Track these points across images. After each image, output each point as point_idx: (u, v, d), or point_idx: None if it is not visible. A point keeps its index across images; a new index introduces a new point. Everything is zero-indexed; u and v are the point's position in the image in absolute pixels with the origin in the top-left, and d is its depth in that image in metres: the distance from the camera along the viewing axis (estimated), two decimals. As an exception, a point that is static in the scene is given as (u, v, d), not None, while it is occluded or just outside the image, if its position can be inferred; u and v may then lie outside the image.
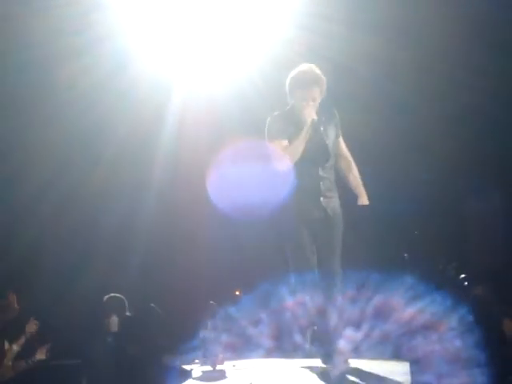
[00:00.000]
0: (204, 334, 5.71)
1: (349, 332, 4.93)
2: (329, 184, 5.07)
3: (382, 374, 4.58)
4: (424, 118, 7.69)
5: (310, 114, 5.00)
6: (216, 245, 7.89)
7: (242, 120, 7.78)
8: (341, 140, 5.23)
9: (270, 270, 7.45)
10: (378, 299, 5.24)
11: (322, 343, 4.93)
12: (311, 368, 4.92)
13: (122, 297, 6.19)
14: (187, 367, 5.59)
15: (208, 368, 5.57)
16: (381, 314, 5.15)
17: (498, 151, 7.85)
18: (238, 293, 6.07)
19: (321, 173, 5.04)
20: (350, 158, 5.23)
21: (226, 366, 5.62)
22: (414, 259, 6.53)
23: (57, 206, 7.67)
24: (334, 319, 4.89)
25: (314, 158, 5.03)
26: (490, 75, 7.42)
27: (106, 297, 6.19)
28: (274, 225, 5.16)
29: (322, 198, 5.01)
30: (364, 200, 5.18)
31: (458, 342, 4.87)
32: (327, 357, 4.85)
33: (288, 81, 5.14)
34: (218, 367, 5.54)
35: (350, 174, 5.21)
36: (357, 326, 5.09)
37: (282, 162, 5.01)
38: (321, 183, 5.02)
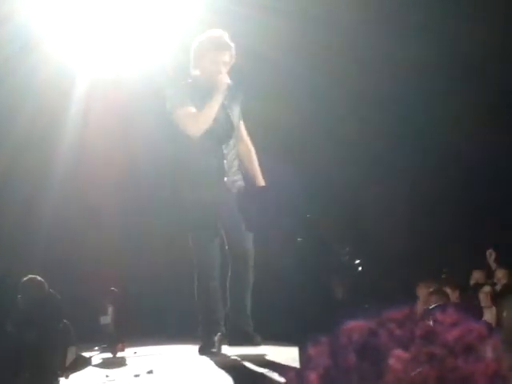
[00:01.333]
0: (104, 320, 5.59)
1: None
2: (233, 163, 4.86)
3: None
4: (331, 104, 7.68)
5: (223, 78, 4.76)
6: (121, 232, 7.74)
7: (151, 106, 7.62)
8: (242, 123, 5.03)
9: (176, 258, 7.41)
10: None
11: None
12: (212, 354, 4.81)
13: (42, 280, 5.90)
14: (86, 354, 5.46)
15: (108, 355, 5.46)
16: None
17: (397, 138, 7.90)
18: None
19: (225, 151, 4.81)
20: (250, 143, 5.05)
21: (127, 352, 5.51)
22: (308, 243, 6.47)
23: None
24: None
25: (219, 134, 4.79)
26: (405, 61, 7.45)
27: (25, 278, 5.88)
28: (176, 207, 5.02)
29: (225, 179, 4.81)
30: (260, 181, 5.00)
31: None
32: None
33: (196, 45, 4.89)
34: (119, 354, 5.44)
35: (249, 158, 5.02)
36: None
37: (191, 128, 4.77)
38: (224, 162, 4.80)
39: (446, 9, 7.45)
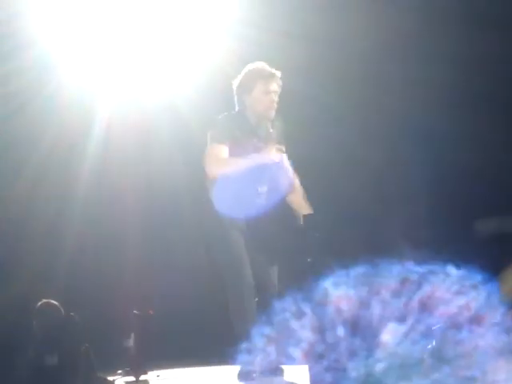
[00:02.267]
0: (127, 343, 5.56)
1: None
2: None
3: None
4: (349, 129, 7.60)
5: (271, 153, 4.76)
6: (145, 255, 7.70)
7: (172, 131, 7.65)
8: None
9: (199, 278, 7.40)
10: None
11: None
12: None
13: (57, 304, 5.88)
14: (110, 378, 5.42)
15: (131, 378, 5.42)
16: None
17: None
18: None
19: (260, 189, 4.83)
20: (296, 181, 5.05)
21: (150, 376, 5.47)
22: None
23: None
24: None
25: (256, 178, 4.80)
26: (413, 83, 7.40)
27: (40, 303, 5.86)
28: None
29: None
30: (306, 211, 4.96)
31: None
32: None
33: (245, 75, 4.89)
34: (142, 378, 5.40)
35: (293, 193, 5.03)
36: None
37: (215, 170, 4.78)
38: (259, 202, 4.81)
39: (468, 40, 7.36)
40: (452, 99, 7.25)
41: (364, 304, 4.54)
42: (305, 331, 4.51)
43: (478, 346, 4.54)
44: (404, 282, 5.00)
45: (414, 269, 4.87)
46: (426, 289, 5.10)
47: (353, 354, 4.46)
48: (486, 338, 4.59)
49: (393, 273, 4.73)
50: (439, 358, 4.44)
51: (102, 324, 6.89)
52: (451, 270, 4.88)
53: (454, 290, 4.81)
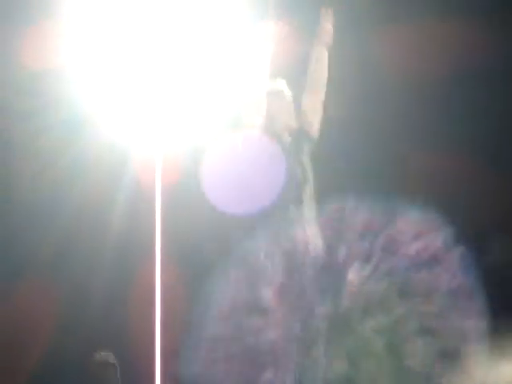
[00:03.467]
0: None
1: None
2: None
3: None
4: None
5: None
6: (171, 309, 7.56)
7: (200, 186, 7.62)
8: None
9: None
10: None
11: None
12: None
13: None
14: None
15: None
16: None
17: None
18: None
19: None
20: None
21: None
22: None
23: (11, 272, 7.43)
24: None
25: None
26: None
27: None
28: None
29: None
30: None
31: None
32: None
33: None
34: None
35: None
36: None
37: None
38: None
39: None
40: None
41: (331, 246, 4.54)
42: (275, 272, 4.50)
43: (436, 284, 4.57)
44: (369, 223, 5.01)
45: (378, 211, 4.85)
46: (390, 230, 5.05)
47: (321, 293, 4.42)
48: (444, 277, 4.62)
49: (360, 215, 4.72)
50: (401, 295, 4.36)
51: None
52: (413, 212, 4.89)
53: (415, 231, 4.83)
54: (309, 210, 5.00)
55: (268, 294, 4.41)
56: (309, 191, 5.07)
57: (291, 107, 5.27)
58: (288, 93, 5.30)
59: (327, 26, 5.14)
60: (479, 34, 7.13)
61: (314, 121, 5.25)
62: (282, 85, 5.30)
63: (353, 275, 4.60)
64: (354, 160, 7.17)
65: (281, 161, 5.02)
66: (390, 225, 4.90)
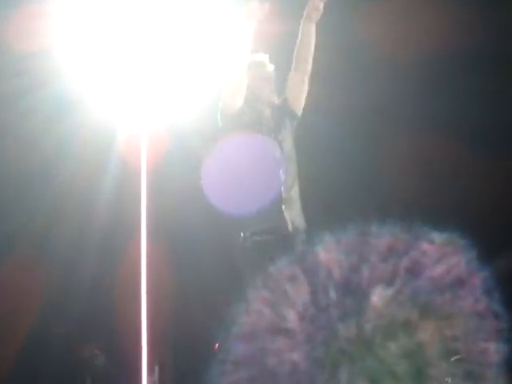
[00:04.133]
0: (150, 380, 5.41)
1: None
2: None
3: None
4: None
5: None
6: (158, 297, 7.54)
7: (185, 166, 7.61)
8: None
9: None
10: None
11: None
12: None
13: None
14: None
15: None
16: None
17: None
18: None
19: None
20: None
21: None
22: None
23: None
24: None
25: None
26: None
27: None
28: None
29: None
30: None
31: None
32: None
33: None
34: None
35: None
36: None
37: None
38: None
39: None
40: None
41: (353, 268, 4.52)
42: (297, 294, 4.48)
43: (461, 307, 4.53)
44: (391, 246, 4.99)
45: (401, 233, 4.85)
46: (413, 253, 5.03)
47: (343, 316, 4.40)
48: (469, 300, 4.59)
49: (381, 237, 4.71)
50: (425, 318, 4.36)
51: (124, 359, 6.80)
52: (435, 234, 4.87)
53: (438, 254, 4.80)
54: (294, 192, 4.99)
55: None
56: (293, 171, 5.04)
57: (272, 81, 5.17)
58: (270, 67, 5.20)
59: (316, 1, 5.04)
60: (467, 18, 7.11)
61: (299, 98, 5.18)
62: (263, 58, 5.20)
63: (376, 297, 4.60)
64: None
65: (262, 140, 4.98)
66: (413, 246, 4.91)
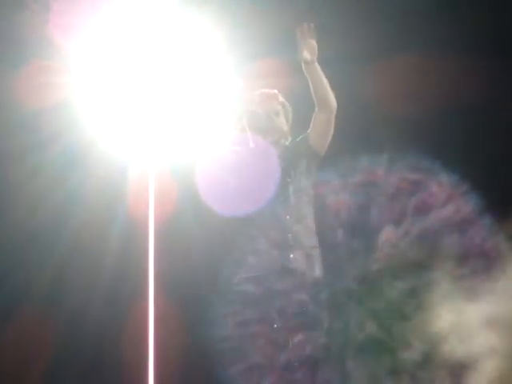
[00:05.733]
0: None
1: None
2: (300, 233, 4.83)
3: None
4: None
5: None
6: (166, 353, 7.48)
7: (195, 216, 7.61)
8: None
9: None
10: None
11: None
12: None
13: None
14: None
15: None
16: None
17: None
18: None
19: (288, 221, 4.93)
20: None
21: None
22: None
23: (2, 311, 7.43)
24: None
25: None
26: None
27: None
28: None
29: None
30: None
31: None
32: None
33: None
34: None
35: None
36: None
37: None
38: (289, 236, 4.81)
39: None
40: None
41: (361, 208, 4.53)
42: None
43: (468, 247, 4.55)
44: (400, 186, 4.99)
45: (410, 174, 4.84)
46: (421, 193, 4.99)
47: (351, 256, 4.40)
48: (475, 240, 4.61)
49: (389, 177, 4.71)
50: (433, 259, 4.36)
51: None
52: (443, 176, 4.87)
53: (445, 195, 4.80)
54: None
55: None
56: (305, 212, 4.93)
57: (282, 114, 5.21)
58: (281, 100, 5.25)
59: (311, 42, 4.96)
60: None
61: (322, 137, 5.08)
62: (272, 91, 5.24)
63: (384, 237, 4.58)
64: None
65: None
66: (422, 186, 4.91)
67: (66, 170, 7.61)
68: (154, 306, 7.50)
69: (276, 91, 5.28)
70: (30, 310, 7.49)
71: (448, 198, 4.93)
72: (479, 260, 4.52)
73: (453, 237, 4.72)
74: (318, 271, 4.50)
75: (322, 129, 5.02)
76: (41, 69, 7.39)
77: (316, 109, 5.09)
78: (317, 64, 5.01)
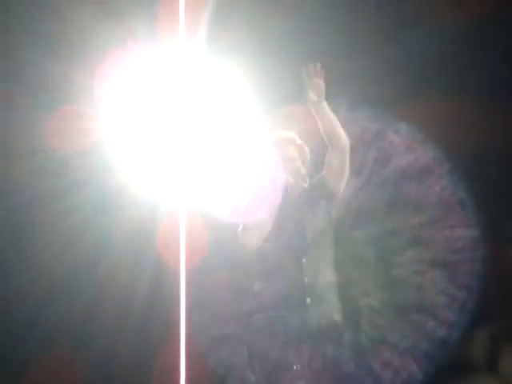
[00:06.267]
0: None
1: None
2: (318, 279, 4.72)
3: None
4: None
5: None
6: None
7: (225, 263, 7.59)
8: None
9: None
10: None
11: None
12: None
13: None
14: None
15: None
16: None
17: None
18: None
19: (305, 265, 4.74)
20: None
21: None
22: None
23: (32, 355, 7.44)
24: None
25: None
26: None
27: None
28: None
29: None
30: None
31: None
32: None
33: None
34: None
35: None
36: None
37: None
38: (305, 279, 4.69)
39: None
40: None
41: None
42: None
43: (427, 195, 4.55)
44: (359, 136, 4.99)
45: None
46: (380, 143, 4.99)
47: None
48: (434, 189, 4.63)
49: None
50: (392, 207, 4.39)
51: None
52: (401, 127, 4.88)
53: (405, 144, 4.81)
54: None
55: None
56: (325, 255, 4.87)
57: (297, 158, 5.04)
58: (297, 143, 5.11)
59: (318, 82, 4.75)
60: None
61: (338, 176, 4.91)
62: (289, 135, 5.13)
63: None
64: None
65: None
66: (382, 136, 4.90)
67: (96, 214, 7.63)
68: (185, 353, 7.47)
69: (293, 134, 5.15)
70: (60, 353, 7.49)
71: (407, 147, 4.93)
72: (438, 208, 4.55)
73: (413, 185, 4.75)
74: (336, 315, 4.58)
75: (336, 169, 4.87)
76: (72, 114, 7.45)
77: (328, 148, 4.96)
78: (324, 104, 4.82)
